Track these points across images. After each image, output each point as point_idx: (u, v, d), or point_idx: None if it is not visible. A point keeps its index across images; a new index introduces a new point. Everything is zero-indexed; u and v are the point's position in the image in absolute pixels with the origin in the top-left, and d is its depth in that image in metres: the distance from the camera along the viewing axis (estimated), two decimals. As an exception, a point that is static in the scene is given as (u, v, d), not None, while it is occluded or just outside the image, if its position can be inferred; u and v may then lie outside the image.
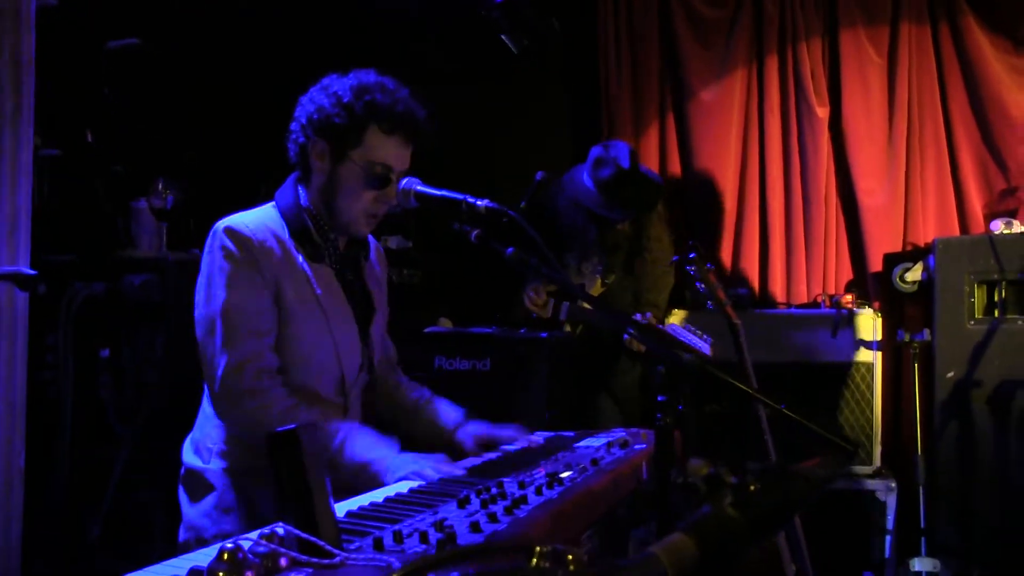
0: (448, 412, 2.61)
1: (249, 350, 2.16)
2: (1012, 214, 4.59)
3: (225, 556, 1.18)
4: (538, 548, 0.71)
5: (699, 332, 3.57)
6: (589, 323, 3.97)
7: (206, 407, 2.33)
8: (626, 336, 3.74)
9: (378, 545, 1.34)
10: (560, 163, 4.53)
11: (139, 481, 3.41)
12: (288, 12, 4.65)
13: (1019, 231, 4.31)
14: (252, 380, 2.14)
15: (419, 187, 2.28)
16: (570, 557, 0.70)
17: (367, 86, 2.29)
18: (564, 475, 1.91)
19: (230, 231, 2.22)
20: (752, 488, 0.81)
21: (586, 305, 3.72)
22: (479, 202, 2.18)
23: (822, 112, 4.93)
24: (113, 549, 3.35)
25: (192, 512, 2.27)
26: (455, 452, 2.49)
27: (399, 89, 2.33)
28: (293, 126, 2.35)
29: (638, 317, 3.68)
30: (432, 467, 2.05)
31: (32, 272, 2.74)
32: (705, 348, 3.54)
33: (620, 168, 3.97)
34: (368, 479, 2.08)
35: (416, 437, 2.56)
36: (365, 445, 2.15)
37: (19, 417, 2.63)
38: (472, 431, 2.52)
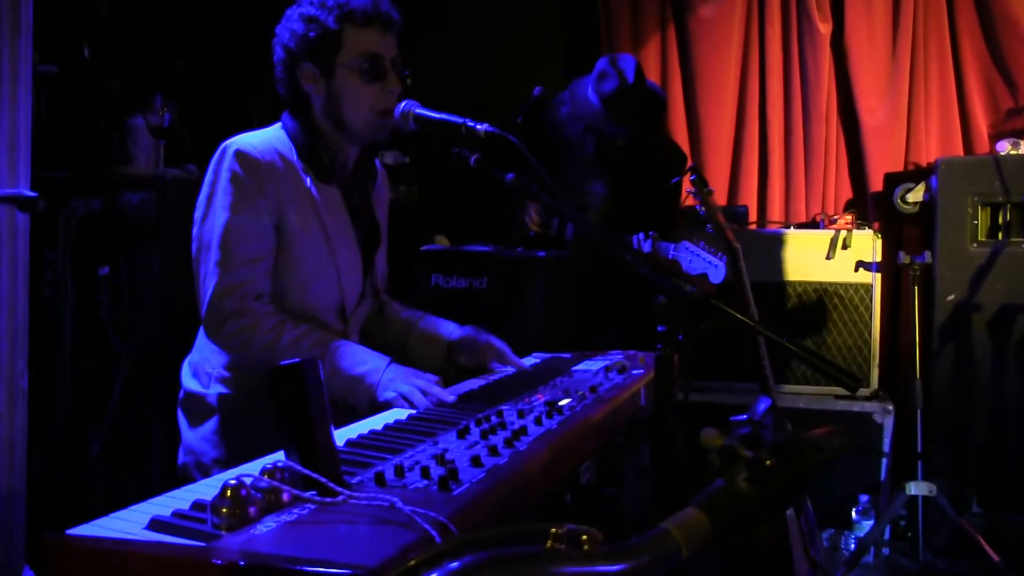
0: (445, 324, 2.59)
1: (241, 276, 2.16)
2: (1019, 134, 4.50)
3: (228, 492, 1.19)
4: (553, 530, 0.71)
5: (713, 250, 3.48)
6: (592, 244, 3.95)
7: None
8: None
9: (379, 480, 1.35)
10: (555, 78, 4.47)
11: (138, 398, 3.43)
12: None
13: (1027, 152, 4.25)
14: (239, 303, 2.15)
15: (418, 110, 2.24)
16: (585, 538, 0.70)
17: None
18: (563, 403, 1.92)
19: (239, 153, 2.20)
20: (767, 463, 0.81)
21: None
22: (479, 126, 2.14)
23: (824, 28, 4.84)
24: (113, 466, 3.39)
25: (192, 436, 2.29)
26: (455, 364, 2.50)
27: None
28: (277, 70, 2.32)
29: (641, 236, 3.65)
30: (424, 386, 2.07)
31: (32, 194, 2.72)
32: (721, 267, 3.44)
33: (624, 82, 3.87)
34: (361, 392, 2.11)
35: (411, 355, 2.56)
36: (357, 358, 2.16)
37: (21, 341, 2.62)
38: (472, 333, 2.51)
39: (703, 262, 3.42)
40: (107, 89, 3.63)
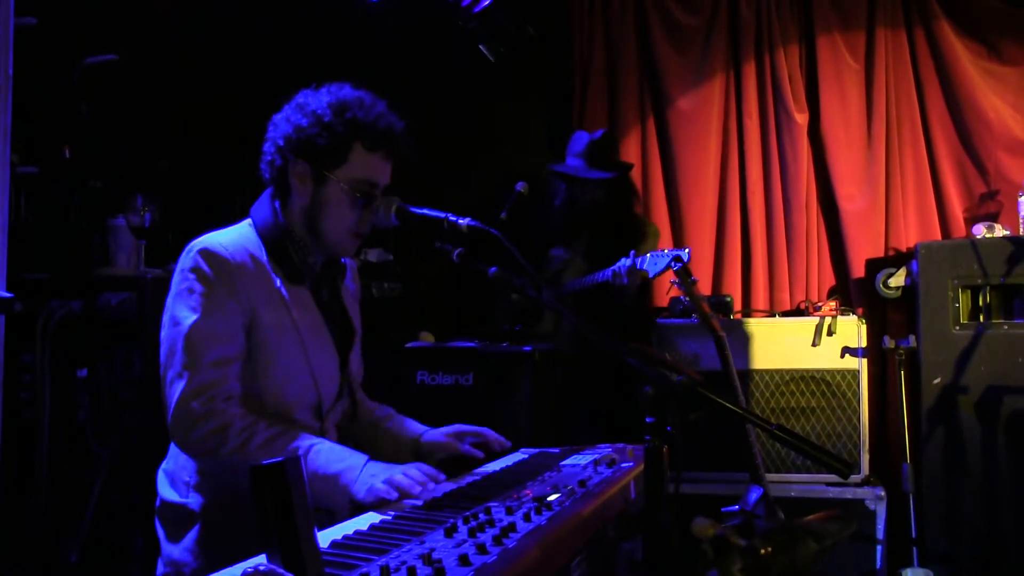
0: (413, 424, 2.55)
1: (210, 377, 2.09)
2: (993, 218, 4.61)
3: (207, 600, 1.14)
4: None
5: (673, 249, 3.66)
6: (577, 334, 3.99)
7: None
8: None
9: (365, 582, 1.31)
10: (536, 173, 4.52)
11: (118, 504, 3.35)
12: (265, 26, 4.61)
13: (1001, 235, 4.32)
14: (206, 404, 2.07)
15: (400, 205, 2.25)
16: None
17: (346, 103, 2.23)
18: (552, 498, 1.87)
19: (206, 252, 2.16)
20: (763, 552, 0.78)
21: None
22: (461, 220, 2.16)
23: (801, 118, 4.94)
24: (90, 575, 3.29)
25: (172, 548, 2.20)
26: (425, 458, 2.44)
27: (376, 103, 2.28)
28: (267, 147, 2.29)
29: (624, 261, 3.77)
30: (403, 473, 2.00)
31: (8, 295, 2.69)
32: (684, 255, 3.55)
33: (592, 139, 4.22)
34: (337, 491, 2.02)
35: (380, 453, 2.52)
36: (332, 456, 2.08)
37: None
38: (441, 430, 2.47)
39: (665, 259, 3.60)
40: (88, 189, 3.64)
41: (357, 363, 2.52)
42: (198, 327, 2.10)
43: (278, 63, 4.47)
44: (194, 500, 2.20)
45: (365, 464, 2.05)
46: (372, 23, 4.86)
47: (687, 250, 3.55)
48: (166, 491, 2.26)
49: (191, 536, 2.18)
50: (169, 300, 2.18)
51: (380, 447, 2.49)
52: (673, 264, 3.40)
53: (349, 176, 2.23)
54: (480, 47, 4.64)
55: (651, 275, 3.68)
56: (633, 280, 3.72)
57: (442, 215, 2.15)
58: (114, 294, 3.44)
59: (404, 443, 2.49)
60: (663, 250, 3.67)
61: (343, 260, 2.47)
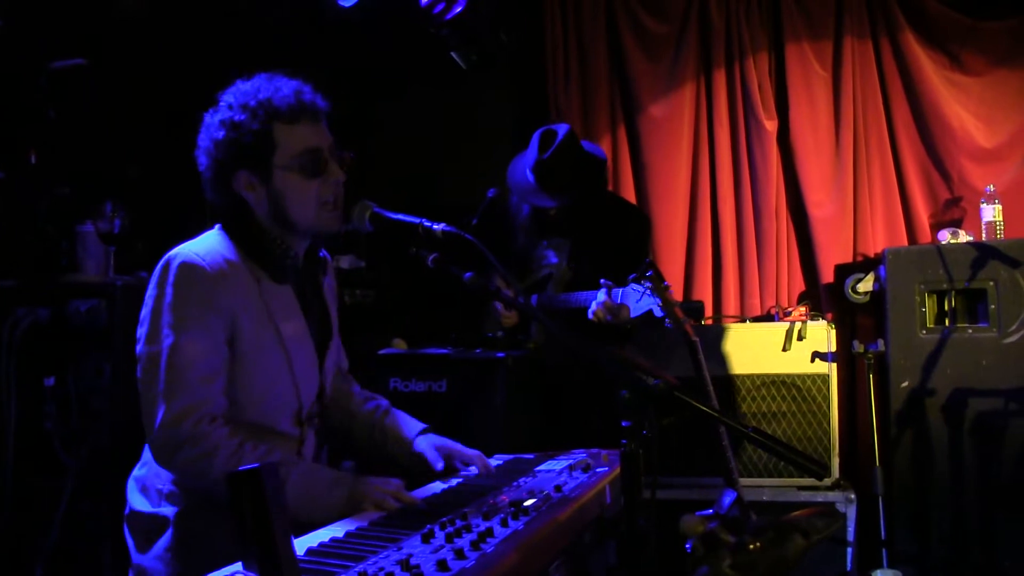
0: (407, 423, 2.52)
1: (194, 398, 2.04)
2: (957, 224, 4.68)
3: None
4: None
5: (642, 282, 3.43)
6: (557, 339, 3.91)
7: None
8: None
9: (343, 589, 1.30)
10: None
11: (86, 515, 3.30)
12: (236, 31, 4.58)
13: (965, 241, 4.38)
14: (192, 427, 2.02)
15: (375, 210, 2.24)
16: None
17: (247, 93, 2.19)
18: (528, 503, 1.88)
19: (186, 266, 2.10)
20: (751, 548, 0.78)
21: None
22: (436, 226, 2.15)
23: (770, 125, 4.98)
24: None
25: (141, 558, 2.16)
26: (415, 464, 2.45)
27: (274, 77, 2.23)
28: (206, 181, 2.23)
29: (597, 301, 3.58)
30: (393, 492, 2.00)
31: (-29, 302, 2.66)
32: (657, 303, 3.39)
33: (539, 159, 3.85)
34: (321, 510, 2.00)
35: (374, 451, 2.52)
36: (318, 476, 2.08)
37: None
38: (433, 441, 2.45)
39: (650, 300, 3.38)
40: (55, 195, 3.59)
41: (335, 358, 2.50)
42: (180, 345, 2.05)
43: (250, 68, 4.44)
44: (166, 510, 2.16)
45: (349, 483, 2.05)
46: (345, 29, 4.85)
47: (666, 286, 3.40)
48: (136, 500, 2.22)
49: (161, 544, 2.14)
50: (144, 312, 2.12)
51: (375, 444, 2.51)
52: (654, 300, 3.32)
53: (288, 155, 2.18)
54: (452, 55, 4.64)
55: (633, 315, 3.47)
56: (619, 317, 3.51)
57: (416, 220, 2.14)
58: (83, 301, 3.39)
59: (399, 444, 2.48)
60: (641, 284, 3.42)
61: (322, 254, 2.43)
